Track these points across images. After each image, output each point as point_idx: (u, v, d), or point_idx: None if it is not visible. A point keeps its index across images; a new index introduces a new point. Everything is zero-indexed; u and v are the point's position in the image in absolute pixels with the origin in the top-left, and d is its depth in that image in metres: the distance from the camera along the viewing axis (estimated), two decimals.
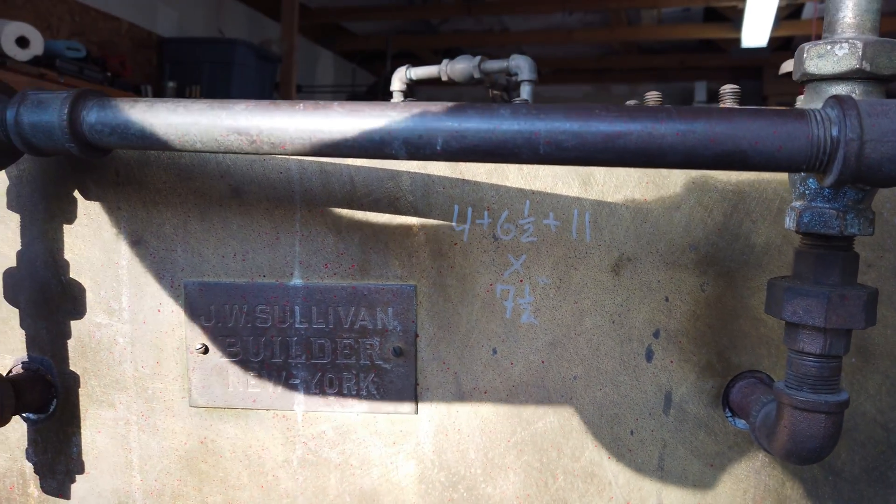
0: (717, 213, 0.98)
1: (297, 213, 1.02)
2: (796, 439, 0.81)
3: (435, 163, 1.00)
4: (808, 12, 6.83)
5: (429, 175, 1.01)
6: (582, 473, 1.03)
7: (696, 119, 0.69)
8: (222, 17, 6.73)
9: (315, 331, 1.04)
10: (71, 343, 1.07)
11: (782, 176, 0.96)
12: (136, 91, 5.13)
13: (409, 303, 1.02)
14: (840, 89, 0.79)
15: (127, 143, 0.83)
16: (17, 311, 1.07)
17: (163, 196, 1.03)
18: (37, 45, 3.90)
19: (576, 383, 1.02)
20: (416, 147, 0.74)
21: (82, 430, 1.09)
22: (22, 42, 3.83)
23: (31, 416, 1.09)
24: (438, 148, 0.73)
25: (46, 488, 1.11)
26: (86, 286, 1.06)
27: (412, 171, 1.00)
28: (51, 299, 1.06)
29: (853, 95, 0.79)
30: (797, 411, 0.80)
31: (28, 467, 1.10)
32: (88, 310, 1.06)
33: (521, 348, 1.02)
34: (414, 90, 1.89)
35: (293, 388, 1.05)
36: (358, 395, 1.05)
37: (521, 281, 1.01)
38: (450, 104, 0.75)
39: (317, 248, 1.03)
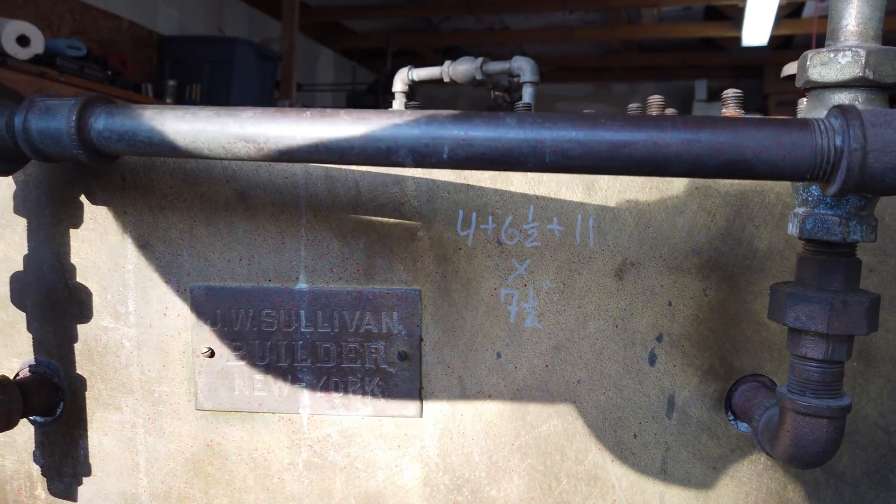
0: (719, 218, 0.99)
1: (303, 217, 1.03)
2: (799, 444, 0.82)
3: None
4: (808, 11, 6.83)
5: (433, 180, 1.01)
6: (585, 476, 1.04)
7: (700, 128, 0.69)
8: (223, 15, 6.73)
9: (320, 335, 1.04)
10: (78, 347, 1.07)
11: (785, 181, 0.97)
12: (136, 90, 5.13)
13: (413, 307, 1.03)
14: (843, 97, 0.80)
15: (135, 150, 0.84)
16: (24, 314, 1.07)
17: (169, 201, 1.04)
18: (37, 44, 3.90)
19: (579, 387, 1.03)
20: (423, 155, 0.75)
21: (89, 433, 1.09)
22: (22, 41, 3.83)
23: (38, 419, 1.09)
24: (445, 156, 0.74)
25: (54, 491, 1.11)
26: (92, 290, 1.06)
27: (417, 176, 1.01)
28: (57, 303, 1.07)
29: (856, 103, 0.79)
30: (800, 416, 0.81)
31: (35, 470, 1.11)
32: (95, 314, 1.07)
33: (525, 352, 1.03)
34: (414, 90, 1.89)
35: (299, 391, 1.06)
36: (363, 399, 1.05)
37: (525, 285, 1.02)
38: (456, 112, 0.75)
39: (322, 252, 1.04)
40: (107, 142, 0.83)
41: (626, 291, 1.01)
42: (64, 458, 1.10)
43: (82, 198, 1.04)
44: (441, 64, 1.84)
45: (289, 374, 1.06)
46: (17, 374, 1.08)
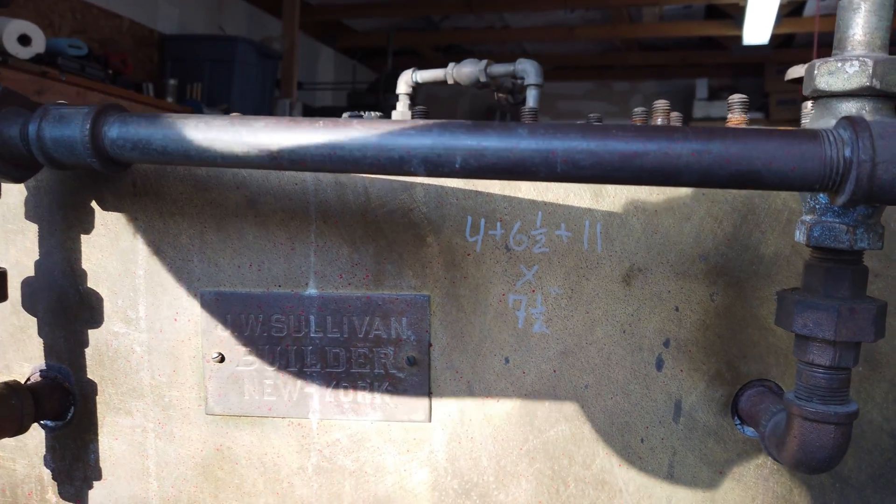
0: (726, 224, 1.00)
1: (313, 224, 1.04)
2: (806, 449, 0.83)
3: None
4: (809, 9, 6.83)
5: (442, 186, 1.02)
6: (593, 481, 1.05)
7: (711, 139, 0.70)
8: (223, 14, 6.72)
9: (330, 340, 1.05)
10: (88, 351, 1.08)
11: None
12: (137, 89, 5.13)
13: (422, 313, 1.04)
14: (850, 106, 0.81)
15: (148, 159, 0.84)
16: (35, 319, 1.08)
17: (179, 207, 1.05)
18: (38, 44, 3.89)
19: (587, 392, 1.04)
20: (435, 165, 0.75)
21: (100, 437, 1.10)
22: (24, 40, 3.82)
23: (49, 423, 1.10)
24: (457, 166, 0.75)
25: (64, 494, 1.12)
26: (103, 295, 1.07)
27: (426, 182, 1.02)
28: (69, 308, 1.07)
29: (863, 112, 0.80)
30: (807, 422, 0.82)
31: (46, 474, 1.12)
32: (106, 319, 1.08)
33: (533, 357, 1.04)
34: (416, 90, 1.90)
35: (308, 396, 1.07)
36: (372, 404, 1.06)
37: (534, 291, 1.03)
38: (468, 122, 0.76)
39: (332, 258, 1.04)
40: (120, 150, 0.84)
41: (634, 297, 1.02)
42: (74, 462, 1.11)
43: (93, 204, 1.05)
44: (442, 62, 1.85)
45: (298, 379, 1.07)
46: (29, 379, 1.09)
